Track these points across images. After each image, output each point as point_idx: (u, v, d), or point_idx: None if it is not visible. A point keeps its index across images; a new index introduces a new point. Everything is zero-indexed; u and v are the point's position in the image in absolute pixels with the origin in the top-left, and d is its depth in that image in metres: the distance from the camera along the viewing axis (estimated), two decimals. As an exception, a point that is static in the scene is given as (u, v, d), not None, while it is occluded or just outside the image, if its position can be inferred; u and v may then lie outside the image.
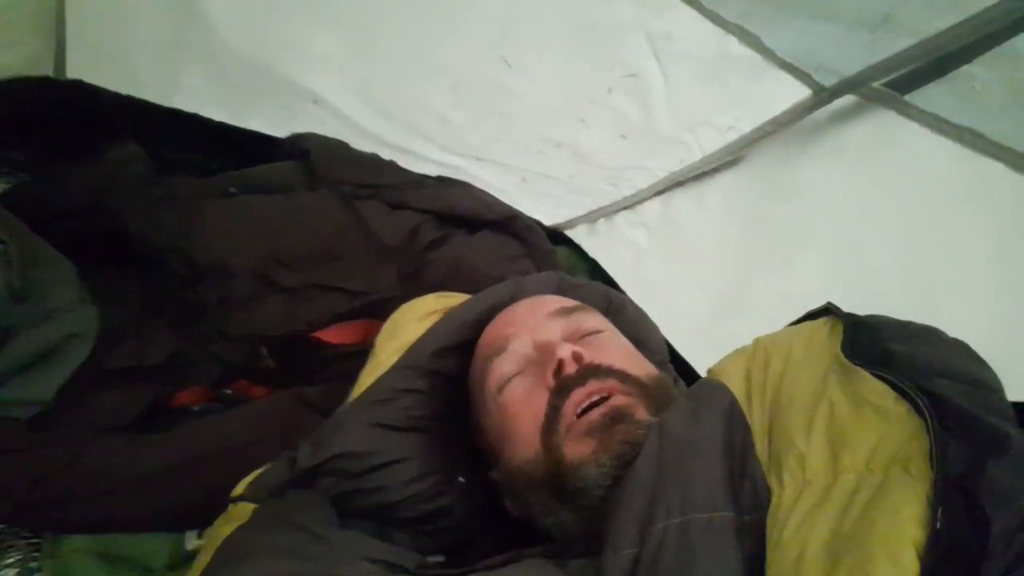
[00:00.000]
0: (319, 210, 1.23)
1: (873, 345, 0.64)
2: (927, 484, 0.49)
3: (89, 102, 1.35)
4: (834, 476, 0.56)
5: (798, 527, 0.54)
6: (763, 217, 1.17)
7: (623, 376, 0.76)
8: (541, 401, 0.75)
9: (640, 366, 0.82)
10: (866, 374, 0.61)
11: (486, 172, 1.42)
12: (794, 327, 0.78)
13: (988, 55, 0.77)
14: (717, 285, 1.23)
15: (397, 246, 1.24)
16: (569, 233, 1.57)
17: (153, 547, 0.95)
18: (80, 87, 1.35)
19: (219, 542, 0.72)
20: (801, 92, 1.03)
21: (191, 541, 0.94)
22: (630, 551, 0.59)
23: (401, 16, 1.18)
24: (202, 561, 0.71)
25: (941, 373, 0.59)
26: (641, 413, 0.72)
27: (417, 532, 0.82)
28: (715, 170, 1.23)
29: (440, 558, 0.82)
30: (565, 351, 0.75)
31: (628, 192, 1.38)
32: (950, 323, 0.66)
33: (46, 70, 1.32)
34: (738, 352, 0.78)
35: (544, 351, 0.79)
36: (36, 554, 0.91)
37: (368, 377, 0.91)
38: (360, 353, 1.13)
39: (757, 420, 0.67)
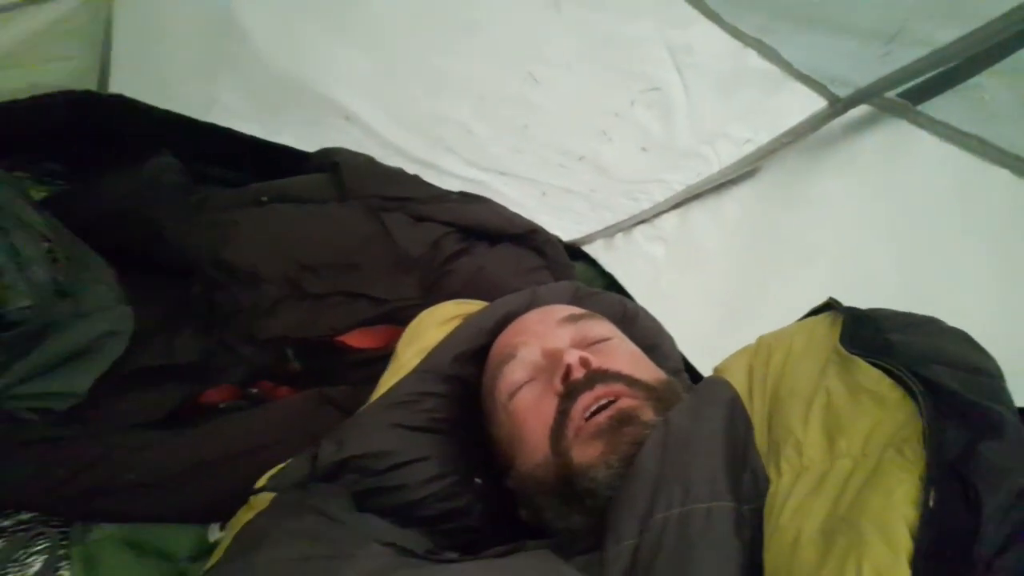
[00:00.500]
0: (347, 221, 1.26)
1: (873, 337, 0.65)
2: (921, 466, 0.50)
3: (128, 116, 1.41)
4: (830, 462, 0.57)
5: (794, 512, 0.55)
6: (778, 228, 1.18)
7: (630, 381, 0.77)
8: (550, 407, 0.76)
9: (648, 371, 0.84)
10: (863, 363, 0.62)
11: (508, 187, 1.45)
12: (797, 323, 0.79)
13: (997, 66, 0.78)
14: (732, 297, 1.24)
15: (420, 256, 1.26)
16: (587, 248, 1.58)
17: (178, 538, 0.97)
18: (121, 101, 1.40)
19: (238, 529, 0.74)
20: (817, 104, 1.05)
21: (214, 533, 0.96)
22: (631, 541, 0.60)
23: (430, 33, 1.22)
24: (223, 548, 0.74)
25: (938, 360, 0.59)
26: (648, 415, 0.73)
27: (434, 531, 0.82)
28: (732, 182, 1.24)
29: (454, 555, 0.83)
30: (572, 357, 0.77)
31: (646, 206, 1.39)
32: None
33: (91, 84, 1.37)
34: (742, 350, 0.80)
35: (552, 358, 0.80)
36: (64, 542, 0.94)
37: (389, 380, 0.93)
38: (383, 358, 1.15)
39: (758, 412, 0.68)
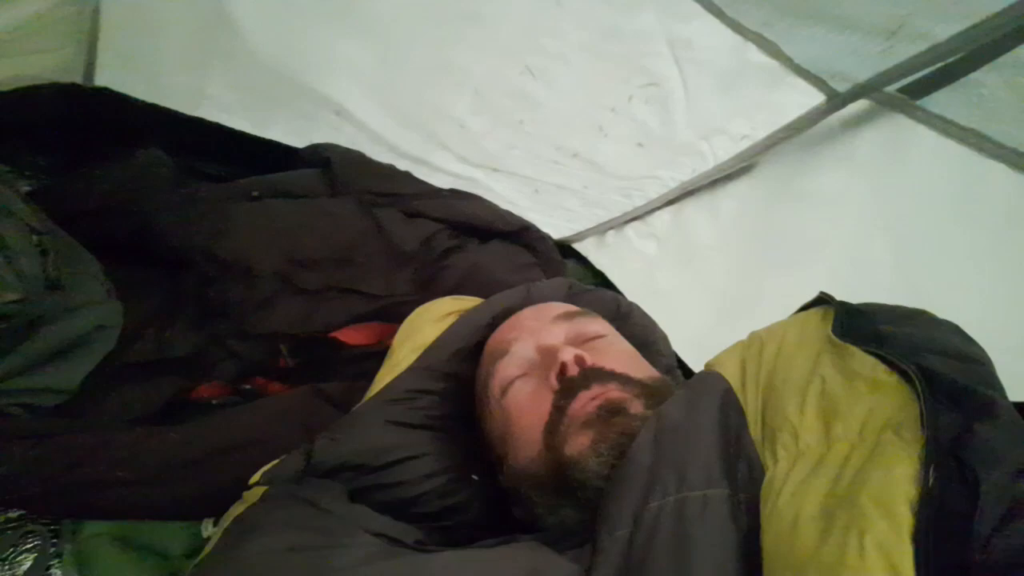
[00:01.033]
0: (340, 216, 1.26)
1: (865, 328, 0.66)
2: (919, 446, 0.50)
3: (114, 109, 1.38)
4: (827, 446, 0.57)
5: (792, 495, 0.55)
6: (774, 224, 1.18)
7: (625, 379, 0.77)
8: (545, 403, 0.76)
9: (642, 369, 0.84)
10: (856, 350, 0.62)
11: (500, 184, 1.44)
12: (789, 317, 0.79)
13: (996, 61, 0.79)
14: (727, 293, 1.24)
15: (413, 252, 1.26)
16: (578, 246, 1.59)
17: (171, 534, 0.95)
18: (106, 94, 1.37)
19: (229, 522, 0.73)
20: (816, 99, 1.05)
21: (207, 528, 0.95)
22: (624, 531, 0.60)
23: (427, 26, 1.20)
24: (214, 540, 0.73)
25: (930, 349, 0.60)
26: (636, 408, 0.74)
27: (431, 528, 0.82)
28: (727, 178, 1.25)
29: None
30: (567, 354, 0.77)
31: (640, 203, 1.39)
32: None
33: (76, 77, 1.35)
34: (734, 345, 0.81)
35: (547, 355, 0.81)
36: (55, 540, 0.92)
37: (385, 376, 0.93)
38: (376, 354, 1.15)
39: (751, 403, 0.68)
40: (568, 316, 0.88)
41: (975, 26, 0.78)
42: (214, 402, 1.09)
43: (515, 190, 1.44)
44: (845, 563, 0.46)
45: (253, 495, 0.77)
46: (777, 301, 1.09)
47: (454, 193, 1.40)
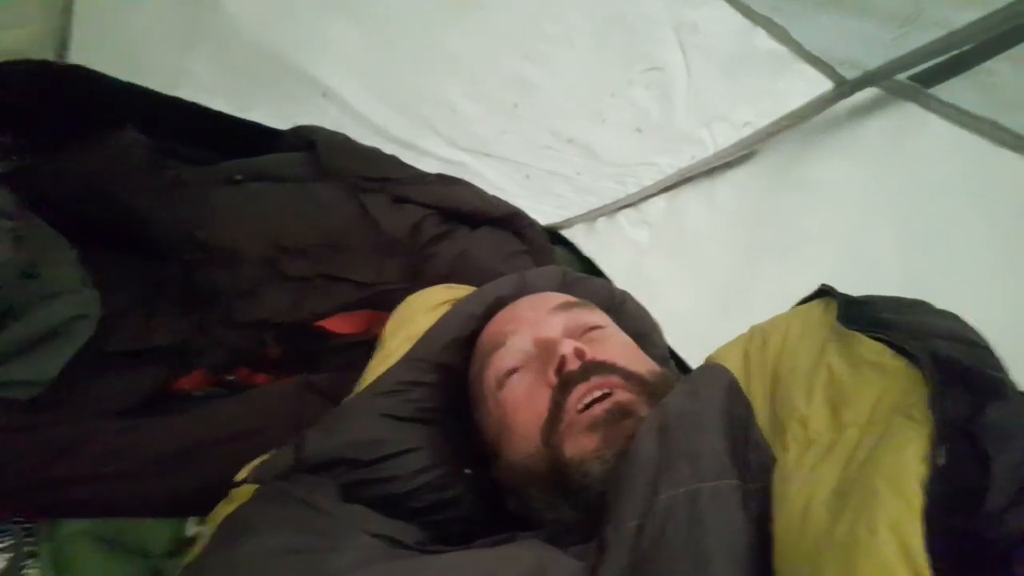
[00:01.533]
0: (327, 201, 1.22)
1: (868, 316, 0.64)
2: (929, 426, 0.49)
3: (89, 88, 1.33)
4: (837, 433, 0.57)
5: (804, 482, 0.54)
6: (773, 213, 1.17)
7: (626, 374, 0.76)
8: (543, 397, 0.74)
9: (642, 363, 0.82)
10: (862, 337, 0.61)
11: (490, 169, 1.41)
12: (791, 310, 0.78)
13: (1010, 51, 0.78)
14: (721, 283, 1.23)
15: (402, 239, 1.23)
16: (567, 233, 1.57)
17: (153, 532, 0.92)
18: (80, 72, 1.32)
19: (220, 521, 0.71)
20: (823, 87, 1.03)
21: (191, 527, 0.92)
22: (634, 523, 0.59)
23: (422, 5, 1.17)
24: (204, 539, 0.70)
25: (935, 334, 0.59)
26: (644, 410, 0.72)
27: (425, 523, 0.80)
28: (727, 165, 1.23)
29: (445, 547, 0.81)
30: (567, 348, 0.75)
31: (633, 190, 1.37)
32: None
33: (48, 54, 1.29)
34: (736, 339, 0.79)
35: (545, 347, 0.78)
36: (30, 539, 0.88)
37: (377, 368, 0.90)
38: (364, 343, 1.12)
39: (758, 394, 0.67)
40: (566, 307, 0.86)
41: (991, 14, 0.76)
42: (196, 395, 1.06)
43: (505, 176, 1.42)
44: (857, 541, 0.45)
45: (242, 493, 0.74)
46: (774, 292, 1.07)
47: (441, 178, 1.37)
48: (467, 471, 0.85)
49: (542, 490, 0.74)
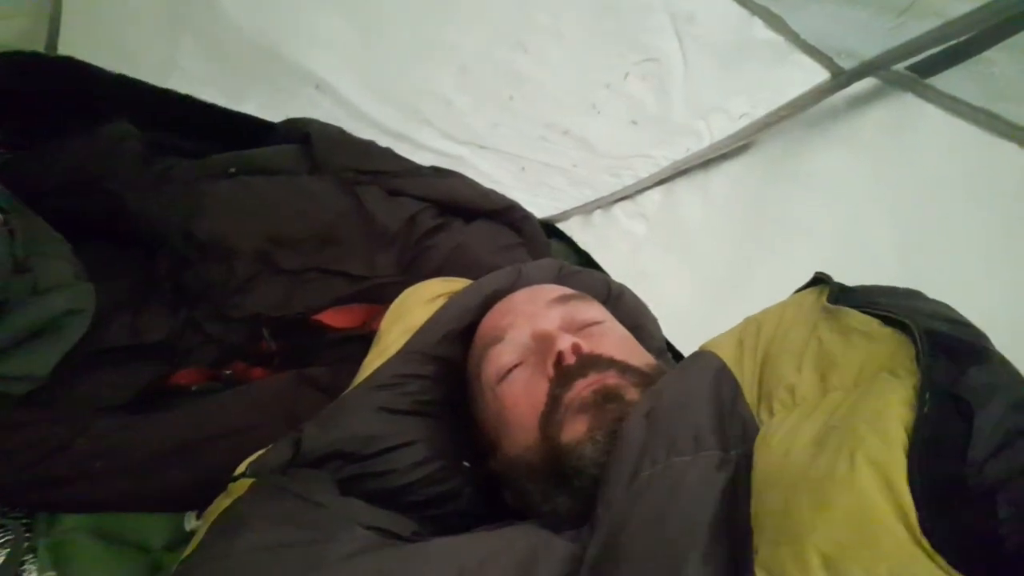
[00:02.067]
0: (321, 194, 1.22)
1: (859, 299, 0.66)
2: (914, 380, 0.50)
3: (79, 80, 1.32)
4: (823, 395, 0.58)
5: (786, 434, 0.55)
6: (770, 204, 1.17)
7: (623, 367, 0.77)
8: (541, 391, 0.75)
9: (638, 355, 0.83)
10: (852, 310, 0.63)
11: (485, 162, 1.41)
12: (786, 299, 0.79)
13: (1007, 41, 0.78)
14: (717, 275, 1.24)
15: (396, 232, 1.23)
16: (563, 225, 1.57)
17: (152, 527, 0.93)
18: (70, 64, 1.31)
19: (215, 516, 0.71)
20: (820, 77, 1.03)
21: (190, 522, 0.92)
22: (619, 504, 0.60)
23: (414, -1, 1.17)
24: (199, 536, 0.70)
25: (925, 314, 0.60)
26: (632, 394, 0.73)
27: (423, 517, 0.81)
28: (723, 157, 1.23)
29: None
30: (565, 343, 0.76)
31: (629, 182, 1.37)
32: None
33: (38, 45, 1.28)
34: (730, 329, 0.80)
35: (542, 341, 0.79)
36: (28, 534, 0.88)
37: (374, 361, 0.90)
38: (360, 337, 1.13)
39: (748, 374, 0.68)
40: (563, 300, 0.87)
41: (988, 4, 0.77)
42: (193, 388, 1.06)
43: (500, 168, 1.42)
44: (834, 477, 0.46)
45: (239, 487, 0.75)
46: (770, 283, 1.08)
47: (436, 171, 1.37)
48: (465, 464, 0.86)
49: (540, 481, 0.75)
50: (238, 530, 0.65)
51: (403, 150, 1.36)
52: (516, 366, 0.80)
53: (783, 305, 0.76)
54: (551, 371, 0.75)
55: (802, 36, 0.97)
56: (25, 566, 0.86)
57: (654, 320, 1.06)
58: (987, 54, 0.82)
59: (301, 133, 1.32)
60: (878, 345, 0.58)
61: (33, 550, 0.87)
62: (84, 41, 1.28)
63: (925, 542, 0.42)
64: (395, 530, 0.69)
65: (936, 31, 0.83)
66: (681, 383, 0.70)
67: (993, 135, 0.88)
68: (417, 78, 1.28)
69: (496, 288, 0.96)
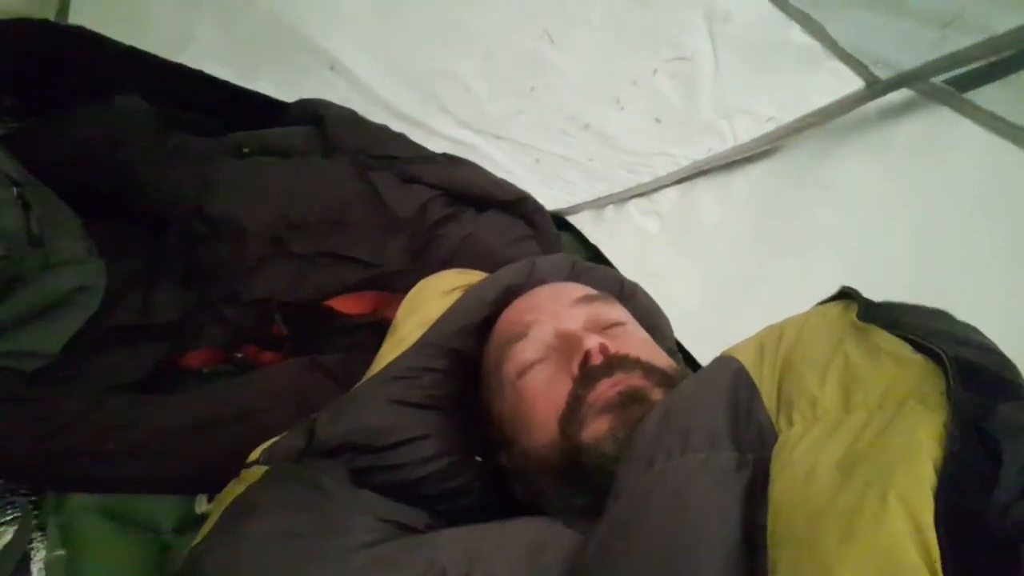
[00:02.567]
0: (334, 177, 1.21)
1: (886, 317, 0.65)
2: (943, 413, 0.50)
3: (90, 51, 1.30)
4: (846, 412, 0.57)
5: (808, 449, 0.55)
6: (792, 211, 1.17)
7: (647, 368, 0.77)
8: (563, 390, 0.75)
9: (662, 358, 0.84)
10: (882, 330, 0.62)
11: (499, 152, 1.40)
12: (809, 310, 0.79)
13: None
14: (731, 278, 1.23)
15: (407, 220, 1.22)
16: (573, 219, 1.57)
17: (161, 509, 0.93)
18: (81, 34, 1.29)
19: (228, 503, 0.71)
20: (853, 85, 1.03)
21: (201, 505, 0.93)
22: (626, 495, 0.60)
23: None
24: (211, 523, 0.71)
25: (952, 338, 0.60)
26: (657, 396, 0.73)
27: (434, 511, 0.81)
28: (747, 160, 1.23)
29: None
30: (592, 342, 0.76)
31: (646, 179, 1.37)
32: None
33: (49, 14, 1.26)
34: (752, 336, 0.80)
35: (567, 340, 0.79)
36: (36, 512, 0.89)
37: (390, 353, 0.91)
38: (371, 324, 1.13)
39: (767, 378, 0.68)
40: (587, 300, 0.87)
41: (1032, 23, 0.76)
42: (204, 371, 1.06)
43: (514, 159, 1.41)
44: (862, 512, 0.46)
45: (253, 475, 0.75)
46: (785, 290, 1.08)
47: (449, 159, 1.37)
48: (478, 459, 0.86)
49: (556, 479, 0.75)
50: (250, 517, 0.65)
51: (417, 136, 1.36)
52: (538, 362, 0.80)
53: (806, 315, 0.76)
54: (576, 370, 0.75)
55: (840, 43, 0.96)
56: (33, 544, 0.86)
57: (667, 320, 1.06)
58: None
59: (314, 115, 1.31)
60: (907, 370, 0.57)
61: (42, 528, 0.87)
62: (96, 10, 1.26)
63: None
64: (409, 523, 0.69)
65: (979, 45, 0.82)
66: (698, 385, 0.70)
67: (1029, 152, 0.89)
68: (436, 63, 1.27)
69: (510, 282, 0.96)
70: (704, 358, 1.18)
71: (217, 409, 0.95)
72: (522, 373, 0.80)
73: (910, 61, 0.93)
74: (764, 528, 0.53)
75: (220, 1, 1.24)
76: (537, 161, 1.40)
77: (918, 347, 0.58)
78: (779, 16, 0.98)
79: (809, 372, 0.64)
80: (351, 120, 1.32)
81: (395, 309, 1.08)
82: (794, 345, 0.69)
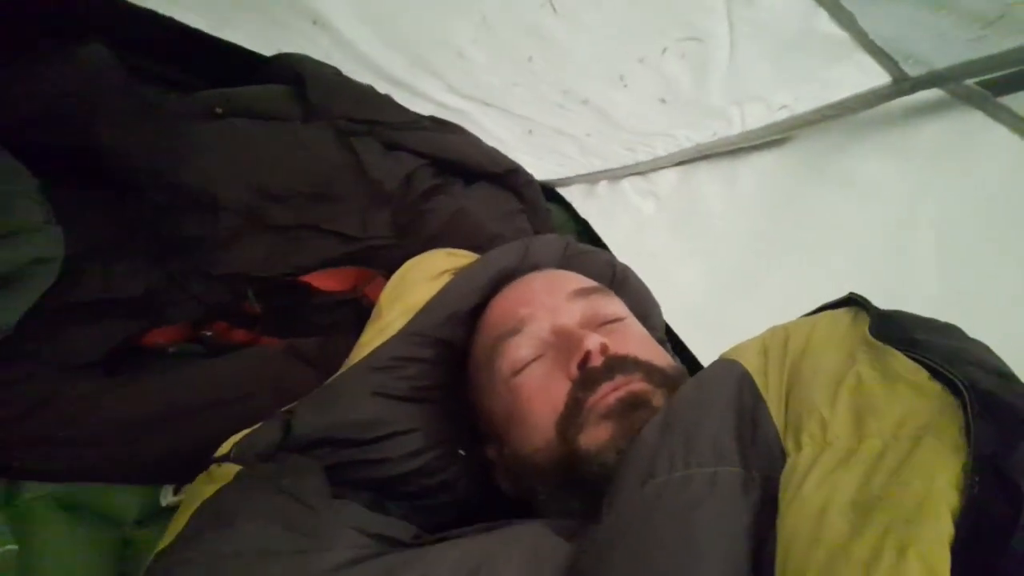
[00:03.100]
0: (315, 144, 1.15)
1: (900, 334, 0.63)
2: (962, 455, 0.49)
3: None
4: (858, 441, 0.55)
5: (820, 483, 0.53)
6: (802, 204, 1.14)
7: (649, 369, 0.75)
8: (560, 391, 0.73)
9: (660, 355, 0.81)
10: (898, 353, 0.60)
11: (490, 119, 1.35)
12: (815, 315, 0.76)
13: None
14: (729, 266, 1.21)
15: (392, 191, 1.17)
16: (564, 191, 1.53)
17: (122, 499, 0.89)
18: (39, -26, 1.20)
19: (199, 503, 0.68)
20: (878, 80, 0.99)
21: (166, 496, 0.89)
22: (624, 506, 0.58)
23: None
24: (179, 524, 0.67)
25: (969, 361, 0.58)
26: (659, 401, 0.71)
27: (414, 507, 0.79)
28: (755, 148, 1.19)
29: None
30: (593, 342, 0.73)
31: (644, 159, 1.32)
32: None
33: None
34: (754, 337, 0.78)
35: (565, 338, 0.77)
36: (-15, 502, 0.84)
37: (373, 340, 0.87)
38: (351, 302, 1.08)
39: (774, 389, 0.66)
40: (584, 293, 0.84)
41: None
42: (171, 350, 1.01)
43: (506, 128, 1.36)
44: (880, 563, 0.45)
45: (224, 473, 0.71)
46: (788, 284, 1.06)
47: (436, 123, 1.31)
48: (461, 452, 0.84)
49: (551, 482, 0.73)
50: (225, 528, 0.62)
51: (403, 99, 1.29)
52: (533, 360, 0.77)
53: (812, 321, 0.73)
54: (575, 371, 0.73)
55: (870, 36, 0.92)
56: (-18, 535, 0.82)
57: (658, 307, 1.05)
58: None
59: (293, 72, 1.24)
60: (924, 400, 0.55)
61: (-8, 520, 0.83)
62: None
63: None
64: (395, 535, 0.67)
65: (1017, 51, 0.78)
66: (700, 391, 0.68)
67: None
68: (429, 25, 1.19)
69: (503, 266, 0.93)
70: (700, 346, 1.18)
71: (186, 395, 0.90)
72: (516, 371, 0.78)
73: (943, 60, 0.89)
74: (773, 560, 0.51)
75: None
76: (530, 132, 1.35)
77: (935, 373, 0.56)
78: (807, 3, 0.93)
79: (819, 390, 0.62)
80: (333, 80, 1.25)
81: (376, 287, 1.05)
82: (802, 355, 0.67)
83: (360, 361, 0.84)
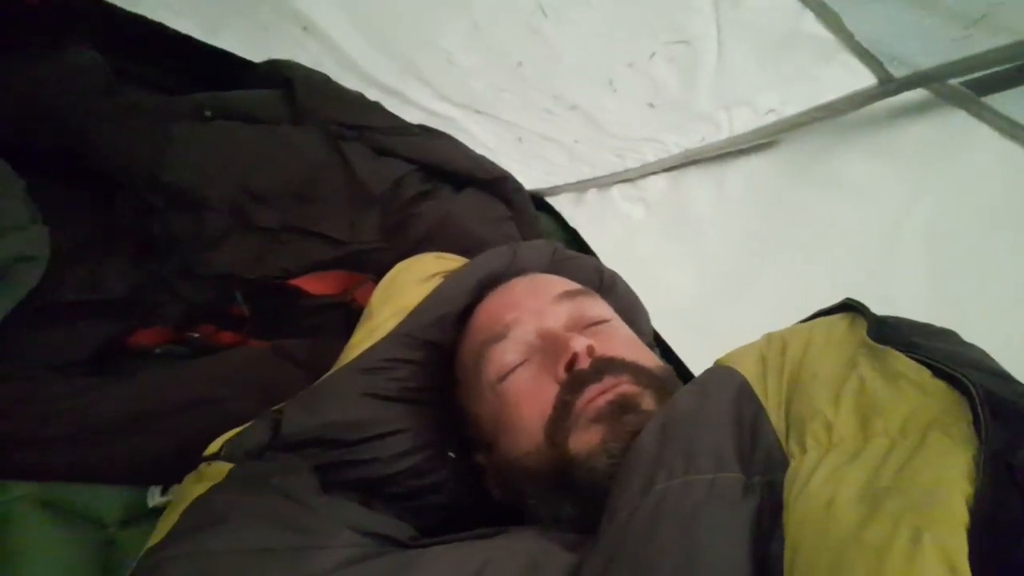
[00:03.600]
0: (303, 147, 1.16)
1: (898, 338, 0.64)
2: (971, 447, 0.49)
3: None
4: (864, 441, 0.56)
5: (827, 479, 0.53)
6: (790, 207, 1.15)
7: (636, 370, 0.75)
8: (548, 394, 0.73)
9: (648, 357, 0.82)
10: (899, 353, 0.61)
11: (479, 127, 1.36)
12: (811, 321, 0.77)
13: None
14: (719, 270, 1.22)
15: (381, 195, 1.18)
16: (553, 200, 1.54)
17: (107, 499, 0.87)
18: (26, -24, 1.20)
19: (189, 502, 0.67)
20: (864, 82, 1.01)
21: (154, 497, 0.87)
22: (624, 515, 0.58)
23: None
24: (169, 522, 0.66)
25: (967, 363, 0.59)
26: (648, 403, 0.72)
27: (403, 508, 0.79)
28: (743, 152, 1.20)
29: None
30: (580, 345, 0.73)
31: (632, 165, 1.34)
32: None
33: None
34: (750, 344, 0.78)
35: (551, 341, 0.77)
36: (-34, 502, 0.83)
37: (363, 341, 0.87)
38: (339, 305, 1.08)
39: (773, 397, 0.66)
40: (570, 295, 0.85)
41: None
42: (157, 351, 1.01)
43: (495, 135, 1.37)
44: (893, 549, 0.45)
45: (214, 472, 0.71)
46: (775, 287, 1.07)
47: (425, 130, 1.32)
48: (451, 455, 0.84)
49: (541, 487, 0.73)
50: (217, 527, 0.62)
51: (391, 105, 1.31)
52: (519, 365, 0.78)
53: (808, 327, 0.74)
54: (562, 374, 0.73)
55: (856, 36, 0.94)
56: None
57: (645, 312, 1.05)
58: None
59: (283, 78, 1.25)
60: (929, 399, 0.56)
61: (-29, 520, 0.81)
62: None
63: None
64: (392, 535, 0.66)
65: (1006, 48, 0.80)
66: (699, 398, 0.68)
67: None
68: (418, 31, 1.21)
69: (491, 270, 0.94)
70: (690, 351, 1.18)
71: (173, 394, 0.90)
72: (503, 377, 0.78)
73: (928, 60, 0.91)
74: (780, 559, 0.51)
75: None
76: (519, 139, 1.36)
77: (937, 372, 0.57)
78: (793, 4, 0.95)
79: (820, 394, 0.62)
80: (323, 85, 1.26)
81: (365, 291, 1.05)
82: (801, 362, 0.68)
83: (350, 362, 0.85)
